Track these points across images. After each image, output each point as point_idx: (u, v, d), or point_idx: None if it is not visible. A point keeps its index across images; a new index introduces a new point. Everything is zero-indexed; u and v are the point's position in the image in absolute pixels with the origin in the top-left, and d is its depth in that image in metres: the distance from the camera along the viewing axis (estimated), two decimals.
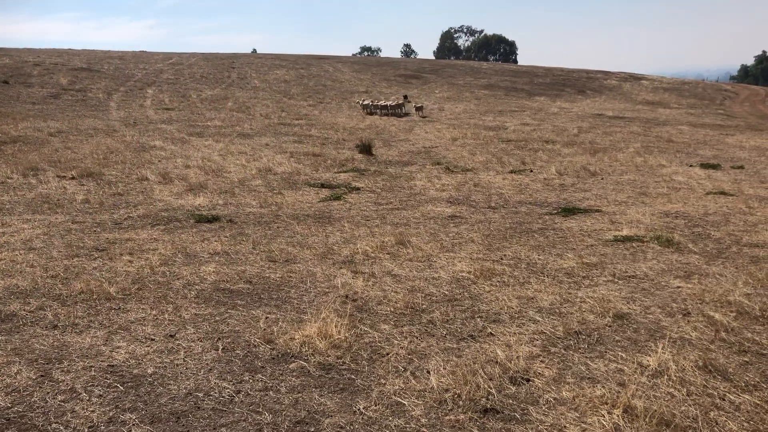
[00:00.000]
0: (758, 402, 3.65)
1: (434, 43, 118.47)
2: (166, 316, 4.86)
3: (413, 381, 3.88)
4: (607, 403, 3.59)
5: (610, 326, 4.76)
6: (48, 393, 3.65)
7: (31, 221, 7.87)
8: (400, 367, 4.06)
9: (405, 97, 28.64)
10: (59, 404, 3.54)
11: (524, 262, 6.43)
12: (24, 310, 4.90)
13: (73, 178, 10.86)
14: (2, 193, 9.57)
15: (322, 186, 10.82)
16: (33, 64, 32.58)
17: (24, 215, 8.23)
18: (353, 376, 3.95)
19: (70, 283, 5.52)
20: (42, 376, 3.85)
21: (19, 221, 7.86)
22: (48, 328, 4.59)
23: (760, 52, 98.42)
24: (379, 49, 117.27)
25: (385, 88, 36.42)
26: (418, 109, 25.97)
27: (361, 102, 27.15)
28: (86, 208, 8.76)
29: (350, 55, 73.85)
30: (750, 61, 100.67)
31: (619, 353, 4.28)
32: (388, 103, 26.08)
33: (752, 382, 3.89)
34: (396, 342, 4.44)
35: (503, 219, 8.46)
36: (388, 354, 4.25)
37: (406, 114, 25.33)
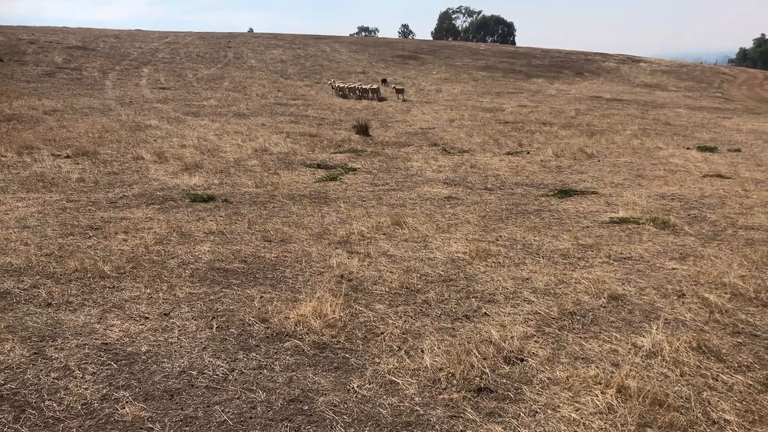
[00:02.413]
0: (751, 383, 3.66)
1: (432, 24, 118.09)
2: (161, 294, 4.85)
3: (407, 360, 3.88)
4: (600, 383, 3.60)
5: (604, 307, 4.77)
6: (41, 370, 3.65)
7: (25, 200, 7.83)
8: (395, 347, 4.07)
9: (383, 80, 27.58)
10: (52, 381, 3.53)
11: (520, 243, 6.42)
12: (18, 287, 4.88)
13: (68, 156, 10.79)
14: None
15: (319, 166, 10.78)
16: (28, 41, 32.29)
17: (18, 194, 8.19)
18: (348, 355, 3.95)
19: (64, 261, 5.50)
20: (35, 353, 3.85)
21: (13, 199, 7.81)
22: (42, 306, 4.57)
23: (759, 35, 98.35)
24: (376, 29, 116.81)
25: (383, 68, 36.22)
26: (399, 92, 24.44)
27: (332, 83, 25.62)
28: (81, 187, 8.71)
29: (348, 35, 73.29)
30: (748, 45, 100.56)
31: (614, 334, 4.29)
32: (362, 86, 24.68)
33: (745, 363, 3.91)
34: (391, 321, 4.44)
35: (499, 200, 8.45)
36: (382, 333, 4.25)
37: (383, 99, 23.85)
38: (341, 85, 25.19)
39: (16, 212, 7.18)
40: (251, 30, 66.15)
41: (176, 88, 24.65)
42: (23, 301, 4.64)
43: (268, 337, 4.18)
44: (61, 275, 5.18)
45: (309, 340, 4.12)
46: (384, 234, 6.63)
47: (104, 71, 27.43)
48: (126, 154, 11.27)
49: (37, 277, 5.13)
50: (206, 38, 42.09)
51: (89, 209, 7.47)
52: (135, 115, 16.68)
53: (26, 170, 9.66)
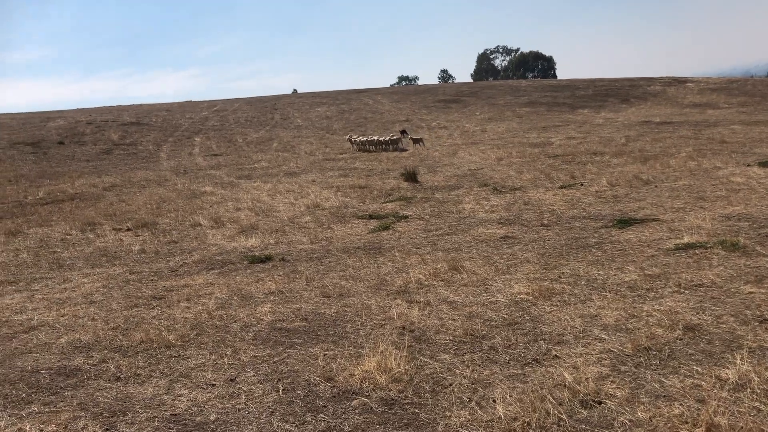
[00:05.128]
0: None
1: (471, 66, 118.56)
2: (226, 360, 4.85)
3: (479, 411, 3.75)
4: (687, 422, 3.39)
5: (681, 339, 4.54)
6: None
7: (90, 275, 8.06)
8: (465, 398, 3.94)
9: (403, 131, 27.26)
10: None
11: (584, 278, 6.23)
12: (87, 363, 4.97)
13: (128, 229, 11.13)
14: (63, 250, 9.86)
15: (371, 217, 10.81)
16: (85, 123, 33.86)
17: (84, 269, 8.44)
18: (417, 410, 3.84)
19: (130, 333, 5.59)
20: (107, 429, 3.87)
21: (79, 276, 8.05)
22: (111, 380, 4.63)
23: None
24: (416, 77, 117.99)
25: (426, 114, 36.51)
26: (417, 141, 23.85)
27: (350, 138, 25.20)
28: (143, 258, 8.93)
29: (388, 86, 74.44)
30: None
31: (695, 367, 4.06)
32: (380, 138, 24.13)
33: None
34: (458, 371, 4.32)
35: (557, 236, 8.26)
36: (450, 385, 4.13)
37: (404, 149, 23.24)
38: (362, 139, 24.73)
39: (83, 288, 7.38)
40: (295, 91, 68.04)
41: (228, 153, 25.36)
42: (93, 377, 4.71)
43: (334, 396, 4.11)
44: (127, 348, 5.26)
45: (376, 397, 4.03)
46: (442, 280, 6.54)
47: (158, 144, 28.46)
48: (184, 221, 11.55)
49: (105, 351, 5.22)
50: (253, 103, 43.39)
51: (152, 279, 7.63)
52: (190, 183, 17.17)
53: (90, 246, 9.98)
